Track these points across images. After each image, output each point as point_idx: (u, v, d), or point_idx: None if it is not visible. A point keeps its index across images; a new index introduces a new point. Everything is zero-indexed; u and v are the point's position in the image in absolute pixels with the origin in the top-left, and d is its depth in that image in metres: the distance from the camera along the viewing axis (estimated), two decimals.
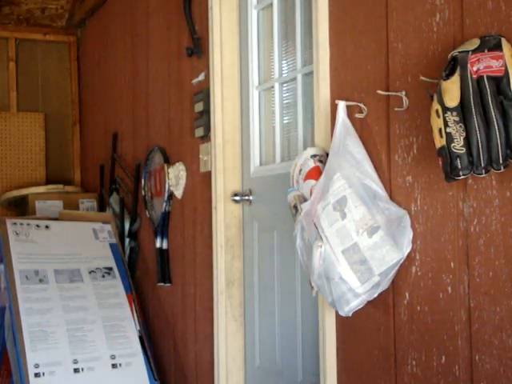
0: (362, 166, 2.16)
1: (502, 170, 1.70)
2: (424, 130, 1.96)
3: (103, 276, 3.91)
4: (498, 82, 1.70)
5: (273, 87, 3.09)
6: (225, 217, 3.23)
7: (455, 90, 1.74)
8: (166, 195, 3.79)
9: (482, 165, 1.70)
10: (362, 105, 2.24)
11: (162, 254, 3.86)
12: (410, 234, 2.05)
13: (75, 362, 3.48)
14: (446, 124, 1.73)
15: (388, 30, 2.14)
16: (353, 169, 2.15)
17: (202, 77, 3.42)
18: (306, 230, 2.22)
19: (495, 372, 1.78)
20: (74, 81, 5.95)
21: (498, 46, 1.71)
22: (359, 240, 2.06)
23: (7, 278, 3.68)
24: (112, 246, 4.15)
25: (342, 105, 2.25)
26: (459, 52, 1.75)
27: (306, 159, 2.35)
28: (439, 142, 1.76)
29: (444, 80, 1.76)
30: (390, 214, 2.08)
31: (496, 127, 1.68)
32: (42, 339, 3.50)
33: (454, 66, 1.76)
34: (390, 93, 2.12)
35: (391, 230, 2.06)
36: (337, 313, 2.24)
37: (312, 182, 2.27)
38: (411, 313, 2.06)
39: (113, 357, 3.57)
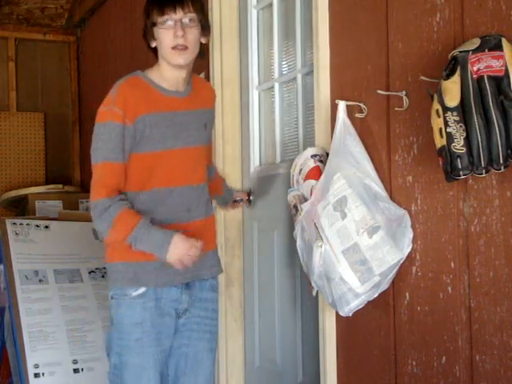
0: (362, 166, 2.16)
1: (503, 169, 1.70)
2: (424, 129, 1.96)
3: (103, 276, 3.90)
4: (498, 81, 1.70)
5: (273, 87, 3.09)
6: (225, 217, 3.23)
7: (455, 90, 1.74)
8: None
9: (483, 165, 1.70)
10: (362, 104, 2.24)
11: None
12: (410, 234, 2.05)
13: (75, 362, 3.48)
14: (446, 124, 1.73)
15: (388, 29, 2.14)
16: (353, 169, 2.14)
17: (201, 76, 3.42)
18: (307, 230, 2.22)
19: (495, 372, 1.78)
20: (74, 80, 5.94)
21: (498, 46, 1.70)
22: (359, 240, 2.06)
23: (7, 278, 3.67)
24: None
25: (342, 105, 2.25)
26: (459, 52, 1.75)
27: (306, 159, 2.34)
28: (439, 141, 1.76)
29: (444, 80, 1.76)
30: (391, 214, 2.07)
31: (496, 127, 1.68)
32: (42, 339, 3.50)
33: (454, 65, 1.75)
34: (390, 92, 2.12)
35: (391, 230, 2.05)
36: (337, 313, 2.24)
37: (312, 181, 2.26)
38: (411, 313, 2.06)
39: None
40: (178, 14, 2.16)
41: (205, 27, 2.24)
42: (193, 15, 2.18)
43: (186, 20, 2.17)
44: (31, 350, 3.44)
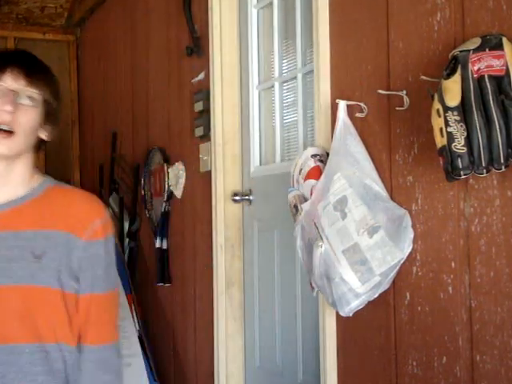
0: (363, 166, 2.16)
1: (503, 169, 1.70)
2: (425, 129, 1.96)
3: None
4: (499, 81, 1.69)
5: (273, 87, 3.09)
6: (225, 217, 3.23)
7: (456, 90, 1.73)
8: (166, 195, 3.79)
9: (483, 164, 1.70)
10: (362, 104, 2.23)
11: (162, 254, 3.85)
12: (410, 234, 2.04)
13: None
14: (446, 123, 1.73)
15: (389, 29, 2.13)
16: (353, 168, 2.14)
17: (201, 76, 3.42)
18: (307, 229, 2.22)
19: (496, 373, 1.78)
20: (74, 80, 5.93)
21: (499, 45, 1.70)
22: (360, 240, 2.06)
23: None
24: None
25: (342, 104, 2.25)
26: (460, 51, 1.75)
27: (306, 159, 2.34)
28: (440, 141, 1.75)
29: (445, 79, 1.75)
30: (391, 213, 2.07)
31: (497, 126, 1.68)
32: None
33: (454, 65, 1.75)
34: (390, 92, 2.12)
35: (392, 229, 2.05)
36: (337, 313, 2.24)
37: (312, 181, 2.26)
38: (412, 313, 2.05)
39: None
40: (16, 83, 1.57)
41: (50, 114, 1.63)
42: (35, 92, 1.59)
43: (23, 95, 1.57)
44: None
